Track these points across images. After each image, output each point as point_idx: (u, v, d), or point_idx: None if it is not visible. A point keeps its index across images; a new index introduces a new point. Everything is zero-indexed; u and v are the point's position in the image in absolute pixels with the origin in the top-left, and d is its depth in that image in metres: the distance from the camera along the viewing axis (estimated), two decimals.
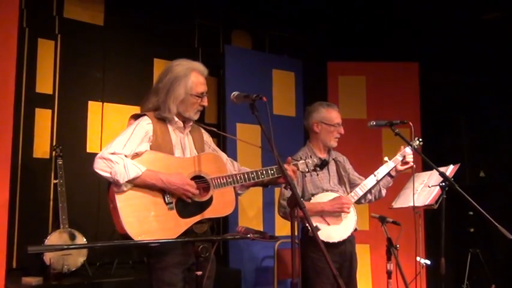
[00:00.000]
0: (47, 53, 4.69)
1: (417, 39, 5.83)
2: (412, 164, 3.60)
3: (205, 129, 3.11)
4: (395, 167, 3.63)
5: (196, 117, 2.89)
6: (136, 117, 2.82)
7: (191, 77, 2.82)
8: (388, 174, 3.67)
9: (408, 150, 3.61)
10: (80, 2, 4.93)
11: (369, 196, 3.77)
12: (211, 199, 2.77)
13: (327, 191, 3.59)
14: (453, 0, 5.26)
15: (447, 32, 5.74)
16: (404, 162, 3.62)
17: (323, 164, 3.10)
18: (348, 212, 3.53)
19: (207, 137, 3.09)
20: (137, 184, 2.60)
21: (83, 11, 4.93)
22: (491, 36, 5.54)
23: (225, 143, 5.08)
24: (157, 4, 5.33)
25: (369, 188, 3.64)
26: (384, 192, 3.78)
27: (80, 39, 4.87)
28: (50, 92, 4.68)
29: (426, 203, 3.49)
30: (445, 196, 3.32)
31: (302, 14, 5.92)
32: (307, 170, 3.06)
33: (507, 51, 5.45)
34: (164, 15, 5.38)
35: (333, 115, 3.69)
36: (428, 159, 3.24)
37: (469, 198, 2.97)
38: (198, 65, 2.89)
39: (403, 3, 5.45)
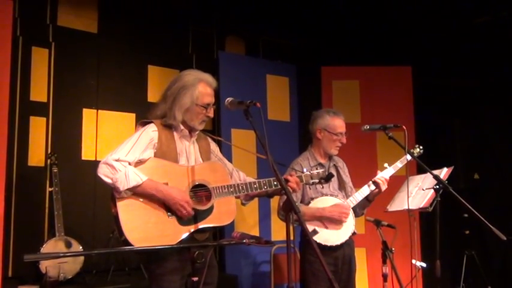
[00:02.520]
0: (41, 61, 4.68)
1: (410, 43, 5.87)
2: (382, 187, 3.56)
3: (212, 138, 3.14)
4: (371, 192, 3.60)
5: (201, 127, 2.92)
6: (143, 124, 2.86)
7: (199, 87, 2.85)
8: (366, 198, 3.65)
9: (408, 157, 3.61)
10: (74, 10, 4.93)
11: None
12: (211, 208, 2.79)
13: (327, 195, 3.60)
14: (445, 4, 5.30)
15: (439, 36, 5.78)
16: (375, 183, 3.59)
17: (328, 178, 3.07)
18: (345, 221, 3.54)
19: (213, 146, 3.11)
20: (137, 193, 2.64)
21: (76, 19, 4.94)
22: (482, 39, 5.58)
23: (220, 149, 5.09)
24: (150, 11, 5.34)
25: (366, 194, 3.64)
26: (359, 212, 3.75)
27: (73, 47, 4.87)
28: (45, 100, 4.68)
29: (421, 206, 3.50)
30: (439, 199, 3.34)
31: (295, 19, 5.95)
32: (311, 182, 3.05)
33: (498, 54, 5.49)
34: (158, 22, 5.39)
35: (337, 124, 3.70)
36: (422, 162, 3.26)
37: (463, 201, 2.99)
38: (207, 77, 2.93)
39: (396, 8, 5.49)
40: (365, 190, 3.63)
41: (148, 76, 5.27)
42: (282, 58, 6.13)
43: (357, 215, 3.75)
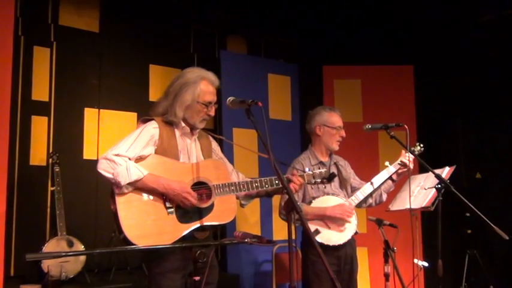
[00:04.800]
0: (42, 61, 4.69)
1: (412, 42, 5.86)
2: (410, 165, 3.61)
3: (213, 137, 3.13)
4: (396, 171, 3.66)
5: (201, 125, 2.90)
6: (145, 121, 2.85)
7: (200, 85, 2.84)
8: (390, 178, 3.69)
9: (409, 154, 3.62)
10: (75, 9, 4.93)
11: (370, 200, 3.79)
12: (212, 206, 2.77)
13: (328, 194, 3.60)
14: (447, 3, 5.29)
15: (442, 35, 5.76)
16: (402, 164, 3.64)
17: (331, 177, 3.07)
18: (349, 221, 3.54)
19: (215, 145, 3.11)
20: (138, 187, 2.62)
21: (78, 18, 4.94)
22: (485, 38, 5.56)
23: (222, 148, 5.08)
24: (152, 10, 5.34)
25: (368, 193, 3.65)
26: (384, 196, 3.79)
27: (75, 46, 4.87)
28: (46, 99, 4.68)
29: (423, 205, 3.49)
30: (441, 198, 3.33)
31: (297, 18, 5.94)
32: (313, 181, 3.04)
33: (501, 53, 5.48)
34: (159, 21, 5.38)
35: (334, 118, 3.72)
36: (424, 162, 3.26)
37: (465, 200, 2.98)
38: (210, 75, 2.92)
39: (398, 6, 5.47)
40: (367, 188, 3.63)
41: (150, 75, 5.28)
42: (283, 57, 6.12)
43: (381, 201, 3.79)
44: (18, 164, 4.47)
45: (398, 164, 3.65)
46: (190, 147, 2.89)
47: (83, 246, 4.21)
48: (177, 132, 2.86)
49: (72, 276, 4.10)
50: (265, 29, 6.10)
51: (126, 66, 5.16)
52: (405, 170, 3.64)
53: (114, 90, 5.05)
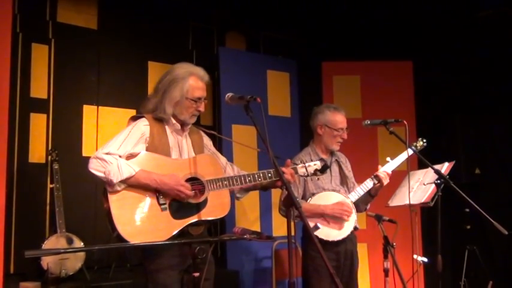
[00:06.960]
0: (41, 58, 4.68)
1: (411, 38, 5.85)
2: (383, 181, 3.56)
3: (205, 132, 3.12)
4: (373, 186, 3.61)
5: (191, 121, 2.89)
6: (135, 118, 2.84)
7: (189, 81, 2.82)
8: (369, 193, 3.66)
9: (410, 152, 3.61)
10: (73, 6, 4.92)
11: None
12: (205, 201, 2.77)
13: (328, 190, 3.60)
14: None
15: (441, 31, 5.75)
16: (376, 179, 3.60)
17: (324, 168, 3.06)
18: (347, 220, 3.53)
19: (206, 141, 3.09)
20: (131, 184, 2.61)
21: (76, 15, 4.93)
22: (484, 34, 5.55)
23: (220, 145, 5.09)
24: (150, 7, 5.32)
25: (369, 188, 3.63)
26: (362, 208, 3.75)
27: (73, 43, 4.86)
28: (45, 96, 4.67)
29: (422, 201, 3.50)
30: (440, 193, 3.33)
31: (296, 14, 5.93)
32: (306, 174, 3.02)
33: (501, 49, 5.47)
34: (158, 17, 5.37)
35: (337, 119, 3.69)
36: (423, 157, 3.26)
37: (464, 195, 2.98)
38: (199, 70, 2.89)
39: (397, 2, 5.46)
40: (368, 184, 3.62)
41: (149, 72, 5.26)
42: (282, 53, 6.11)
43: (360, 210, 3.75)
44: (17, 162, 4.46)
45: (372, 179, 3.61)
46: (181, 144, 2.88)
47: (82, 243, 4.21)
48: (168, 129, 2.84)
49: (71, 273, 4.10)
50: (264, 25, 6.09)
51: (124, 63, 5.15)
52: (378, 185, 3.59)
53: (112, 87, 5.04)
